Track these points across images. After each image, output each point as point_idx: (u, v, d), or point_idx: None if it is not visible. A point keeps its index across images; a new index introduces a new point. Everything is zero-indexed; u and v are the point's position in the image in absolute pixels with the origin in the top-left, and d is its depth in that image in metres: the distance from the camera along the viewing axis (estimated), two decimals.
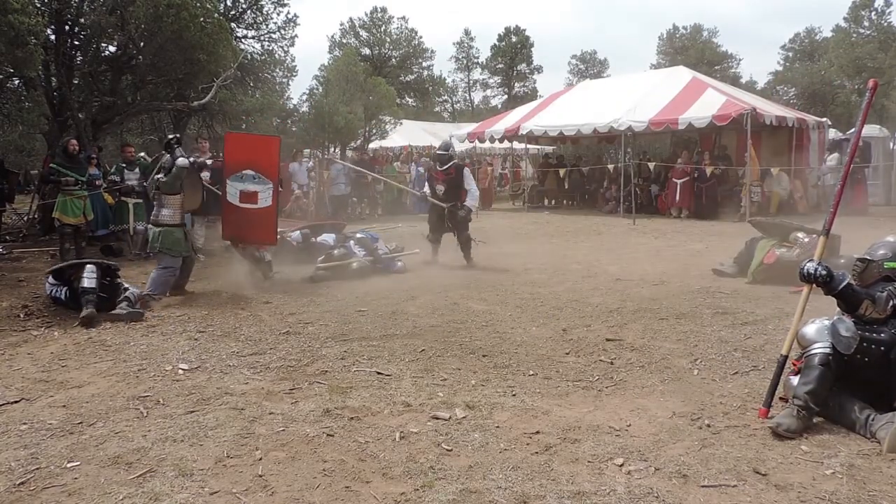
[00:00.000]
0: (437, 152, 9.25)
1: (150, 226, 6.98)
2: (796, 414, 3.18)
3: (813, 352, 3.31)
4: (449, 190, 8.71)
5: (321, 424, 3.38)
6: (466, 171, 9.00)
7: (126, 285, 6.18)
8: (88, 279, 5.87)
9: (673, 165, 15.72)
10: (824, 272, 3.31)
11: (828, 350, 3.27)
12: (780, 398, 3.51)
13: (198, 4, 12.00)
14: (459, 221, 8.69)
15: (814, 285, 3.40)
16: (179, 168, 6.63)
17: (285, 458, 3.03)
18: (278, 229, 9.66)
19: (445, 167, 8.79)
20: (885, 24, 21.62)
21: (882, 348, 3.23)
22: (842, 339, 3.26)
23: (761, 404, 3.44)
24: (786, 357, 3.46)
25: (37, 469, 2.95)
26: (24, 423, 3.50)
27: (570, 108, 17.74)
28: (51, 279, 6.20)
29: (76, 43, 12.38)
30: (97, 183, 10.42)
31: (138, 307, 5.95)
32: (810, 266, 3.37)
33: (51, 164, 9.70)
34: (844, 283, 3.31)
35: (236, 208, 7.34)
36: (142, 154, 11.47)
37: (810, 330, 3.39)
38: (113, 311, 5.79)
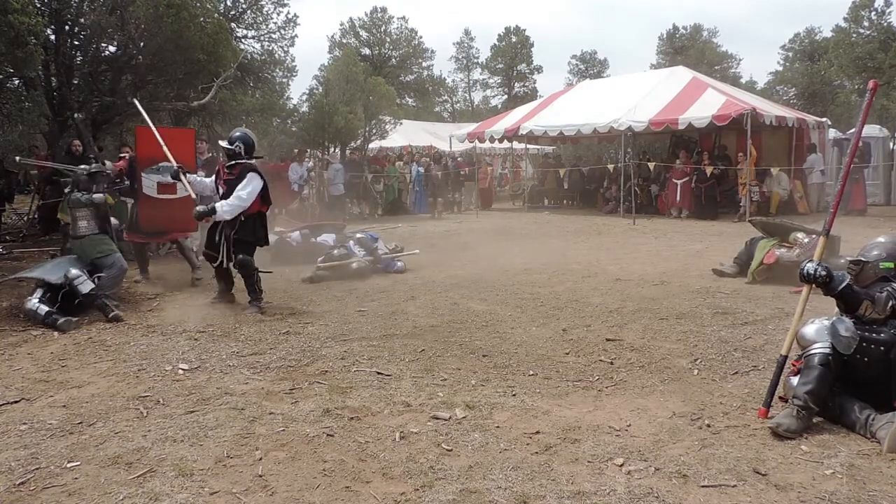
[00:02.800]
0: (222, 144, 6.55)
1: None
2: (796, 414, 3.18)
3: (813, 352, 3.31)
4: (227, 196, 6.23)
5: (321, 424, 3.39)
6: (252, 175, 6.20)
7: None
8: (34, 305, 5.86)
9: (673, 165, 15.73)
10: (824, 273, 3.31)
11: (827, 350, 3.27)
12: (780, 398, 3.51)
13: (198, 4, 12.00)
14: (235, 238, 6.20)
15: (813, 286, 3.40)
16: (94, 201, 6.52)
17: (285, 458, 3.03)
18: (277, 228, 9.70)
19: (230, 165, 6.36)
20: (885, 24, 21.52)
21: (882, 348, 3.23)
22: (841, 340, 3.26)
23: (761, 404, 3.44)
24: (785, 357, 3.47)
25: (37, 469, 2.95)
26: (24, 423, 3.50)
27: (570, 108, 17.73)
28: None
29: (76, 43, 12.38)
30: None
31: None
32: (810, 266, 3.37)
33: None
34: (844, 284, 3.32)
35: (155, 200, 7.55)
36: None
37: (810, 330, 3.39)
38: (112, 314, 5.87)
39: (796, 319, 3.49)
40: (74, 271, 6.05)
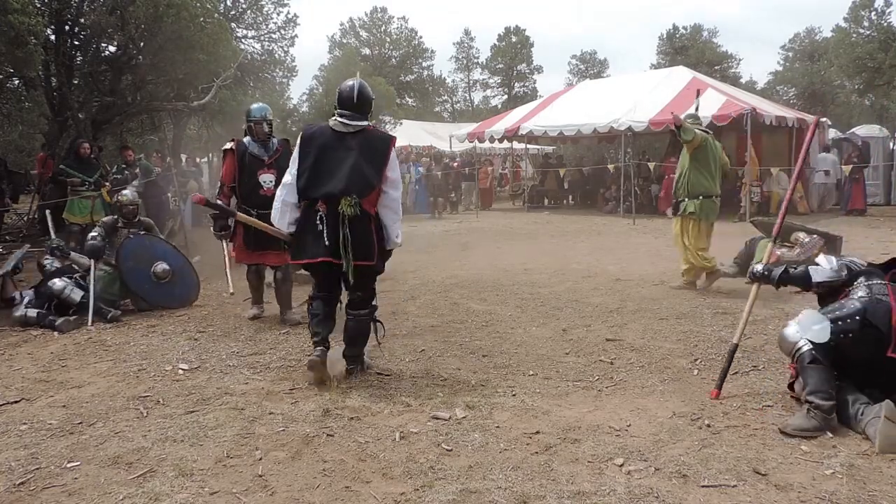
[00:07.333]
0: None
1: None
2: (806, 413, 3.19)
3: (800, 353, 3.35)
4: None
5: (321, 424, 3.38)
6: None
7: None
8: (22, 311, 5.82)
9: (674, 165, 15.72)
10: (760, 269, 3.83)
11: (810, 346, 3.31)
12: (795, 399, 3.52)
13: (198, 4, 12.01)
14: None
15: (761, 283, 3.86)
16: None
17: (285, 458, 3.02)
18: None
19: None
20: (885, 24, 21.53)
21: (857, 318, 3.29)
22: (813, 330, 3.32)
23: (715, 386, 3.71)
24: (736, 345, 3.77)
25: (37, 469, 2.95)
26: (24, 423, 3.50)
27: (570, 108, 17.73)
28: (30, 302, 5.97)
29: (76, 43, 12.40)
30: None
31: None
32: (758, 267, 3.88)
33: (60, 165, 9.90)
34: (781, 271, 3.77)
35: None
36: (141, 156, 11.60)
37: (789, 332, 3.45)
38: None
39: (747, 311, 3.84)
40: (59, 283, 5.89)
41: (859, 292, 3.42)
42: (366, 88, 4.14)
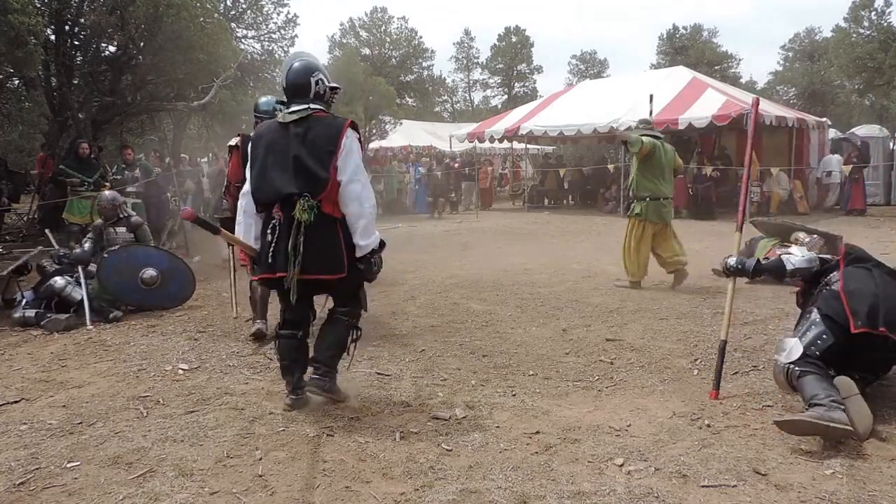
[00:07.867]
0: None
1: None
2: (802, 409, 3.20)
3: (789, 374, 3.38)
4: None
5: (321, 424, 3.38)
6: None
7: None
8: (21, 313, 5.81)
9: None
10: (733, 262, 3.87)
11: (791, 366, 3.35)
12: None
13: (198, 4, 12.02)
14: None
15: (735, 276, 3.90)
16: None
17: (285, 458, 3.03)
18: None
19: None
20: (885, 24, 21.56)
21: (818, 318, 3.38)
22: (785, 353, 3.39)
23: (713, 387, 3.69)
24: (724, 342, 3.76)
25: (37, 469, 2.95)
26: (24, 423, 3.50)
27: (570, 108, 17.73)
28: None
29: (76, 43, 12.39)
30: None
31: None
32: (731, 260, 3.89)
33: (60, 165, 9.92)
34: (754, 262, 3.89)
35: None
36: (141, 155, 11.63)
37: (775, 367, 3.51)
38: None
39: (728, 306, 3.82)
40: (60, 282, 5.92)
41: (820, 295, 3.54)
42: (298, 69, 3.55)
